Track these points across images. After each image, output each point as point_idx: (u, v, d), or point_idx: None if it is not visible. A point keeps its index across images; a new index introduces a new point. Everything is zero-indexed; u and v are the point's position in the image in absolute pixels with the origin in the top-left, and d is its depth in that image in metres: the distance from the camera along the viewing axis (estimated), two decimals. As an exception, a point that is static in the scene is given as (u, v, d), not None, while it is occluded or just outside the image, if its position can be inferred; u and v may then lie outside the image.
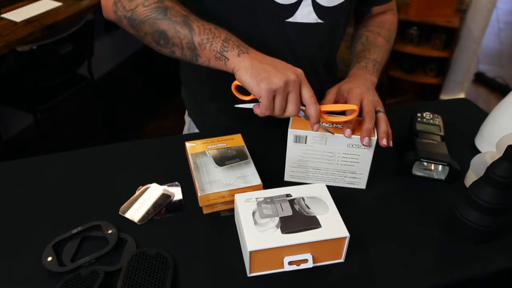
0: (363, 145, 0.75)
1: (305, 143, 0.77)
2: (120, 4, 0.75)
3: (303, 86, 0.71)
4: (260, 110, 0.71)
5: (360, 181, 0.81)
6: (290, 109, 0.71)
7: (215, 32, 0.72)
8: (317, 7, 0.84)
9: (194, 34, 0.72)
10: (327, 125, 0.77)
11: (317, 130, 0.74)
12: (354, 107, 0.75)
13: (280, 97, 0.69)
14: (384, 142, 0.76)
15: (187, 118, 1.13)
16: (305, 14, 0.85)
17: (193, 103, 1.08)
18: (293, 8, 0.83)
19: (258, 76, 0.69)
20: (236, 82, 0.73)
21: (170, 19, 0.73)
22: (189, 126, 1.11)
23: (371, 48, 0.92)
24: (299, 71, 0.71)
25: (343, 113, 0.77)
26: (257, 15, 0.84)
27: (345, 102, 0.79)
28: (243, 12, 0.84)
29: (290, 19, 0.85)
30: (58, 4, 2.09)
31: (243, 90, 0.73)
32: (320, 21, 0.86)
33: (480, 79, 3.32)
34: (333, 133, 0.75)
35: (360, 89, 0.79)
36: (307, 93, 0.71)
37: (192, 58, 0.75)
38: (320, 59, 0.96)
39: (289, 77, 0.68)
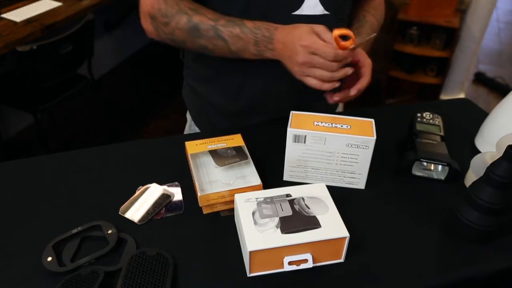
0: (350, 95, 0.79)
1: (304, 142, 0.77)
2: (160, 30, 0.84)
3: (325, 35, 0.75)
4: (314, 81, 0.77)
5: (359, 181, 0.81)
6: (323, 52, 0.74)
7: (244, 38, 0.80)
8: None
9: (229, 44, 0.81)
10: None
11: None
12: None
13: (311, 62, 0.74)
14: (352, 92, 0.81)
15: (188, 117, 1.13)
16: (312, 6, 0.85)
17: (195, 101, 1.07)
18: (300, 0, 0.84)
19: (290, 66, 0.78)
20: (338, 32, 0.76)
21: (205, 36, 0.81)
22: (190, 124, 1.11)
23: (367, 26, 0.96)
24: (307, 28, 0.75)
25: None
26: (265, 9, 0.84)
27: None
28: (251, 6, 0.84)
29: (297, 12, 0.85)
30: (58, 4, 2.09)
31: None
32: (326, 12, 0.87)
33: (480, 79, 3.32)
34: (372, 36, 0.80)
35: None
36: (329, 38, 0.74)
37: (236, 57, 0.84)
38: None
39: (298, 61, 0.75)
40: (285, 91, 0.96)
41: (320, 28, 0.76)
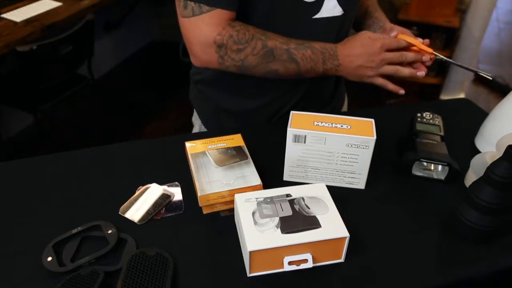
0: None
1: (304, 142, 0.77)
2: (227, 57, 0.82)
3: (387, 46, 0.84)
4: (390, 86, 0.87)
5: (359, 181, 0.81)
6: (394, 57, 0.84)
7: (315, 58, 0.83)
8: None
9: (300, 66, 0.84)
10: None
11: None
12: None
13: (384, 69, 0.84)
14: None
15: (196, 121, 1.12)
16: (331, 8, 0.86)
17: (205, 105, 1.07)
18: (319, 4, 0.85)
19: (359, 78, 0.86)
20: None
21: (279, 59, 0.82)
22: (200, 129, 1.11)
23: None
24: (376, 47, 0.83)
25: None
26: (284, 17, 0.85)
27: None
28: (270, 16, 0.85)
29: (317, 16, 0.86)
30: (58, 4, 2.09)
31: None
32: (343, 12, 0.88)
33: (480, 79, 3.32)
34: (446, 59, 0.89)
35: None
36: (393, 43, 0.84)
37: (296, 77, 0.88)
38: None
39: (375, 60, 0.83)
40: (297, 88, 0.97)
41: (376, 35, 0.84)
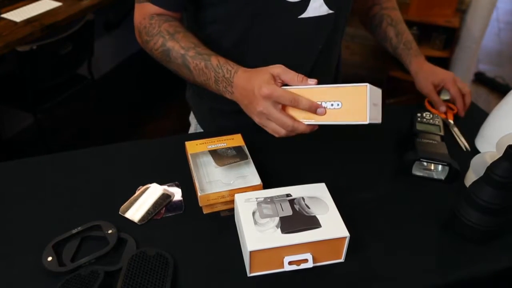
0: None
1: None
2: (143, 44, 0.88)
3: (285, 76, 0.69)
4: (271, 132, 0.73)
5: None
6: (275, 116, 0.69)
7: (207, 73, 0.79)
8: None
9: (194, 75, 0.82)
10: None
11: (323, 113, 0.68)
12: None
13: (269, 125, 0.71)
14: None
15: (192, 120, 1.13)
16: (317, 8, 0.86)
17: (200, 105, 1.07)
18: (305, 3, 0.84)
19: (249, 113, 0.74)
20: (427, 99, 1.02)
21: (174, 62, 0.83)
22: (196, 128, 1.11)
23: (403, 27, 1.04)
24: (266, 76, 0.70)
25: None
26: (270, 18, 0.85)
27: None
28: (255, 17, 0.85)
29: (303, 15, 0.85)
30: (58, 4, 2.09)
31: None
32: (331, 11, 0.88)
33: (480, 79, 3.32)
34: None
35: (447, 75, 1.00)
36: (291, 77, 0.69)
37: (201, 85, 0.84)
38: (332, 48, 0.98)
39: (254, 110, 0.71)
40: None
41: (279, 70, 0.70)
